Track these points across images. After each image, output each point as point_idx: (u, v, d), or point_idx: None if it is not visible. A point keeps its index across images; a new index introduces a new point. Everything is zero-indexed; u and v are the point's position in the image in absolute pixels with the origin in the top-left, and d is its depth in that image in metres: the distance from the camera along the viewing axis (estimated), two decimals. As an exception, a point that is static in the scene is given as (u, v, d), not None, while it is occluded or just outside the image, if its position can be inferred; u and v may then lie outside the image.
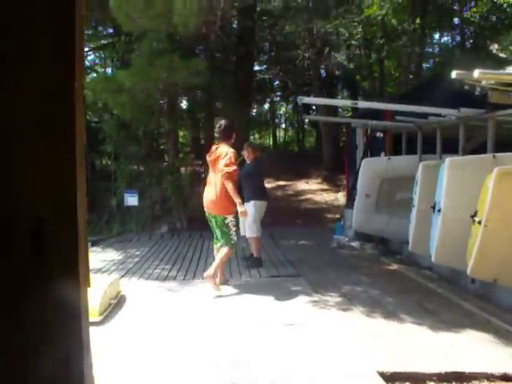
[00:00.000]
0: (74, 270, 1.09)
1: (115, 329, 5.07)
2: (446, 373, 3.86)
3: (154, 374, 3.87)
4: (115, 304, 5.77)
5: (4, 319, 1.05)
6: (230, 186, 6.22)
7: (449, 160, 6.04)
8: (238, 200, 6.32)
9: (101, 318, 5.15)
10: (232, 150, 6.45)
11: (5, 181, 1.06)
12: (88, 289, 1.19)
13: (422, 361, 4.08)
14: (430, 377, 3.84)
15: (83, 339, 1.13)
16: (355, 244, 9.93)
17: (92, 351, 1.17)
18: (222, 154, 6.38)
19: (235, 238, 6.55)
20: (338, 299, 6.11)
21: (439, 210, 5.95)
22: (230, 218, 6.45)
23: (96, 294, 5.13)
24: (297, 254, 9.17)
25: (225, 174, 6.21)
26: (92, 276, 1.45)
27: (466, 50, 18.26)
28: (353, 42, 17.94)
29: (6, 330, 1.03)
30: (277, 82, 27.09)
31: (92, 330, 1.41)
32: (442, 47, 22.19)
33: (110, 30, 18.23)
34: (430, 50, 21.94)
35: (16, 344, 1.02)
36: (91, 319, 4.26)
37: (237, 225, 6.70)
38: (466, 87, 13.11)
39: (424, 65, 20.70)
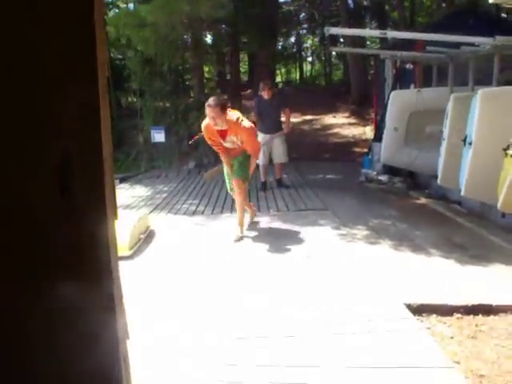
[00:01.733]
0: (101, 204, 1.09)
1: (145, 262, 5.19)
2: (473, 305, 3.87)
3: (182, 307, 3.98)
4: (144, 238, 5.88)
5: (32, 254, 1.05)
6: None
7: (481, 91, 5.86)
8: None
9: (131, 252, 5.27)
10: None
11: (31, 118, 1.04)
12: (116, 222, 1.18)
13: (448, 293, 4.09)
14: (456, 309, 3.86)
15: (113, 271, 1.14)
16: (383, 178, 9.85)
17: (122, 283, 1.18)
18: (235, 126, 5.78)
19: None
20: (366, 232, 6.13)
21: (470, 143, 5.83)
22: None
23: (125, 229, 5.23)
24: (324, 187, 9.15)
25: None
26: (121, 212, 1.45)
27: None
28: (382, -30, 17.23)
29: (33, 264, 1.04)
30: (303, 14, 26.37)
31: (122, 263, 1.42)
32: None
33: (132, -38, 17.79)
34: (464, -25, 20.97)
35: (46, 277, 1.04)
36: (121, 253, 4.37)
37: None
38: (504, 15, 12.55)
39: (457, -9, 19.82)
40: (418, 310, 3.84)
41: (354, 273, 4.64)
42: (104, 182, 1.09)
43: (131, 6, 21.35)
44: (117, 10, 20.76)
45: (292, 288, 4.29)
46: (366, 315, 3.67)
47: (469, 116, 6.03)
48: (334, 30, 11.70)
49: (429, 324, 3.72)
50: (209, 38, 18.67)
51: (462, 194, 6.13)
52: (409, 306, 3.82)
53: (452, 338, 3.52)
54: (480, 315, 3.82)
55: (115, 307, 1.21)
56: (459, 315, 3.83)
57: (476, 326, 3.68)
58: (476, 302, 3.91)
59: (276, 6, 17.66)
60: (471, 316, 3.81)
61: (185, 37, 13.93)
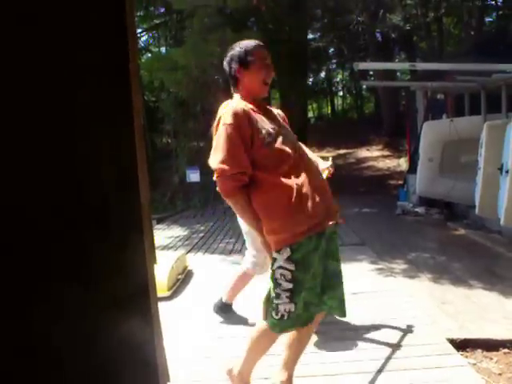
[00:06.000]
0: (139, 246, 1.12)
1: (184, 303, 5.20)
2: (520, 338, 3.76)
3: (221, 347, 3.96)
4: (183, 279, 5.91)
5: (72, 292, 1.08)
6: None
7: (516, 118, 5.80)
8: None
9: (169, 293, 5.29)
10: None
11: (71, 162, 1.09)
12: (155, 265, 1.21)
13: (493, 327, 3.98)
14: (502, 343, 3.75)
15: (152, 314, 1.16)
16: (420, 209, 9.74)
17: (162, 325, 1.20)
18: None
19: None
20: (405, 266, 6.03)
21: (507, 171, 5.74)
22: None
23: (164, 269, 5.27)
24: (360, 222, 9.08)
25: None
26: (159, 252, 1.48)
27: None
28: (408, 2, 17.35)
29: (73, 304, 1.07)
30: (332, 49, 26.64)
31: (161, 304, 1.44)
32: (505, -2, 21.11)
33: (161, 10, 18.34)
34: (493, 2, 20.92)
35: (86, 318, 1.06)
36: (160, 294, 4.40)
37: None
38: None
39: (486, 19, 19.80)
40: (462, 346, 3.74)
41: (392, 308, 4.56)
42: (142, 229, 1.13)
43: (163, 49, 21.98)
44: (149, 55, 21.37)
45: (332, 325, 4.23)
46: (407, 351, 3.59)
47: (504, 144, 5.95)
48: (363, 66, 11.79)
49: (474, 360, 3.61)
50: (239, 78, 18.97)
51: (502, 223, 6.01)
52: (452, 341, 3.72)
53: (500, 374, 3.41)
54: (527, 349, 3.70)
55: (155, 349, 1.23)
56: (506, 350, 3.71)
57: (524, 360, 3.56)
58: (523, 336, 3.79)
59: (305, 43, 17.90)
60: (518, 350, 3.70)
61: (216, 77, 14.21)
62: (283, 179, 2.52)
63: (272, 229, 2.55)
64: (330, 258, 2.82)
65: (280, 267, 2.54)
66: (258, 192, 2.54)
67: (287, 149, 2.57)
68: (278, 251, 2.55)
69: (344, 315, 2.86)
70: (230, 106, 2.55)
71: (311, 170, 2.70)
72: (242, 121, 2.49)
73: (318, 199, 2.60)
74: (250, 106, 2.59)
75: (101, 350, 1.07)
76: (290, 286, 2.54)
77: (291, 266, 2.52)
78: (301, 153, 2.71)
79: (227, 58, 2.71)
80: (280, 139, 2.57)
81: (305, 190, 2.55)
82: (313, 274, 2.62)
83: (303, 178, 2.58)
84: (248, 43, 2.72)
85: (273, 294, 2.61)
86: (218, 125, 2.57)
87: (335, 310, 2.84)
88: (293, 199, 2.51)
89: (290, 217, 2.52)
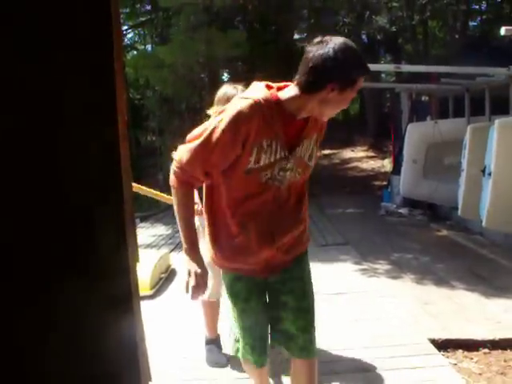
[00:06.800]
0: (122, 245, 1.11)
1: (166, 302, 5.18)
2: (501, 339, 3.79)
3: (203, 346, 3.95)
4: (166, 277, 5.88)
5: (56, 295, 1.08)
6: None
7: (498, 121, 5.85)
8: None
9: (152, 291, 5.27)
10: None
11: (53, 162, 1.08)
12: (137, 264, 1.21)
13: (474, 328, 4.02)
14: (483, 344, 3.78)
15: (134, 312, 1.15)
16: (403, 210, 9.80)
17: (144, 323, 1.19)
18: None
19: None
20: (388, 267, 6.07)
21: (489, 174, 5.80)
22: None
23: (146, 268, 5.24)
24: (344, 222, 9.12)
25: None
26: (142, 251, 1.47)
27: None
28: (394, 4, 17.42)
29: (57, 304, 1.07)
30: (318, 50, 26.72)
31: (144, 303, 1.43)
32: (489, 3, 21.29)
33: (148, 7, 18.26)
34: (477, 6, 21.09)
35: (67, 326, 1.05)
36: (143, 293, 4.37)
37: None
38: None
39: (470, 23, 19.97)
40: (443, 346, 3.77)
41: (376, 308, 4.59)
42: (125, 228, 1.12)
43: (149, 47, 21.87)
44: (135, 52, 21.26)
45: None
46: (390, 351, 3.61)
47: (487, 146, 6.01)
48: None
49: (455, 360, 3.64)
50: (225, 76, 18.97)
51: (484, 224, 6.06)
52: (433, 342, 3.75)
53: (480, 374, 3.44)
54: (508, 350, 3.73)
55: (137, 348, 1.22)
56: (486, 350, 3.75)
57: (505, 361, 3.60)
58: (503, 336, 3.82)
59: (291, 43, 17.92)
60: (499, 351, 3.73)
61: (202, 75, 14.18)
62: (237, 208, 2.14)
63: (212, 246, 2.30)
64: (287, 295, 2.30)
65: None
66: (211, 199, 2.22)
67: (263, 182, 2.08)
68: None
69: (309, 355, 2.32)
70: (241, 107, 1.97)
71: (281, 214, 2.17)
72: (238, 133, 1.96)
73: (257, 248, 2.17)
74: (274, 113, 2.00)
75: (82, 350, 1.06)
76: (230, 311, 2.39)
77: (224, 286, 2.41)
78: (292, 189, 2.18)
79: (329, 55, 1.89)
80: (268, 172, 2.06)
81: (249, 232, 2.14)
82: (243, 310, 2.31)
83: (259, 219, 2.13)
84: (360, 61, 2.00)
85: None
86: (219, 113, 2.07)
87: (293, 348, 2.33)
88: (233, 234, 2.17)
89: (225, 248, 2.25)
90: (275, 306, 2.32)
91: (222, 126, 1.96)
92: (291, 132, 2.06)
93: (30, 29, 1.04)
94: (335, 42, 1.93)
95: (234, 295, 2.32)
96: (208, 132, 2.01)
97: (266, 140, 2.00)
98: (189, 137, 2.16)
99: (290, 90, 2.04)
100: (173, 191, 2.20)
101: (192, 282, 2.14)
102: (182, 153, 2.10)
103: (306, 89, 1.97)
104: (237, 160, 2.03)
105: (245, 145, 1.99)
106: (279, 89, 2.10)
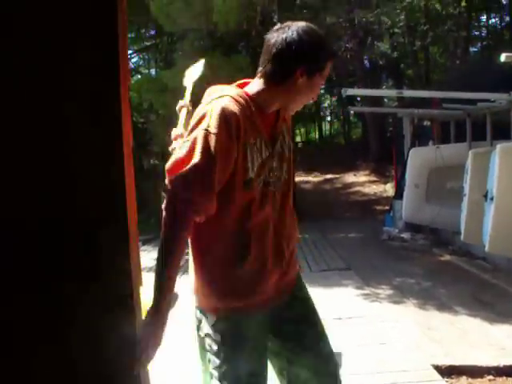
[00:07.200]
0: (127, 269, 1.12)
1: (169, 324, 5.14)
2: (505, 366, 3.75)
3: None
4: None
5: (58, 315, 1.08)
6: None
7: (500, 146, 5.87)
8: None
9: (154, 315, 5.24)
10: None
11: (59, 184, 1.09)
12: (141, 287, 1.22)
13: (477, 354, 3.98)
14: (487, 370, 3.74)
15: (135, 317, 1.17)
16: (406, 235, 9.78)
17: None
18: None
19: None
20: (390, 292, 6.04)
21: (492, 198, 5.80)
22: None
23: (149, 291, 5.22)
24: (347, 246, 9.10)
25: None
26: (144, 274, 1.49)
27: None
28: (396, 30, 17.63)
29: (61, 326, 1.07)
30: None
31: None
32: (489, 29, 21.55)
33: (152, 32, 18.48)
34: (477, 32, 21.34)
35: (71, 333, 1.06)
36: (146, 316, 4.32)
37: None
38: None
39: (471, 49, 20.16)
40: (447, 372, 3.73)
41: (378, 333, 4.55)
42: (129, 251, 1.13)
43: (153, 71, 22.08)
44: (139, 76, 21.45)
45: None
46: (394, 377, 3.58)
47: (489, 171, 6.02)
48: (351, 91, 11.92)
49: (459, 387, 3.61)
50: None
51: (487, 249, 6.04)
52: (437, 368, 3.71)
53: (484, 401, 3.41)
54: (512, 376, 3.70)
55: (140, 373, 1.22)
56: (491, 377, 3.70)
57: (509, 388, 3.56)
58: (508, 363, 3.79)
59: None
60: (504, 377, 3.69)
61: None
62: (242, 227, 1.79)
63: (204, 282, 1.96)
64: (298, 323, 1.98)
65: (207, 335, 1.89)
66: (200, 229, 1.81)
67: (260, 191, 1.79)
68: (204, 312, 1.95)
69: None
70: (223, 103, 1.70)
71: (282, 222, 1.89)
72: (231, 131, 1.67)
73: (272, 267, 1.84)
74: (252, 109, 1.76)
75: (86, 368, 1.06)
76: (220, 363, 1.82)
77: (217, 337, 1.83)
78: (283, 190, 1.91)
79: (293, 38, 1.72)
80: (261, 177, 1.79)
81: (260, 252, 1.81)
82: (250, 353, 1.83)
83: (268, 233, 1.83)
84: (326, 44, 1.86)
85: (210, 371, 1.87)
86: (196, 124, 1.70)
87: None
88: (239, 260, 1.80)
89: (228, 282, 1.84)
90: (289, 339, 1.92)
91: (213, 129, 1.64)
92: (267, 127, 1.83)
93: (38, 60, 1.06)
94: (298, 25, 1.76)
95: (239, 346, 1.81)
96: (200, 145, 1.63)
97: (252, 138, 1.75)
98: (171, 166, 1.68)
99: (255, 84, 1.81)
100: (173, 230, 1.77)
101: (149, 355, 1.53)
102: (181, 185, 1.65)
103: (273, 78, 1.77)
104: (233, 172, 1.71)
105: (238, 146, 1.70)
106: (242, 86, 1.85)
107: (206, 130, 1.64)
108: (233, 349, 1.81)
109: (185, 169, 1.63)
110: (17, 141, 1.04)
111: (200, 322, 1.95)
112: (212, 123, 1.64)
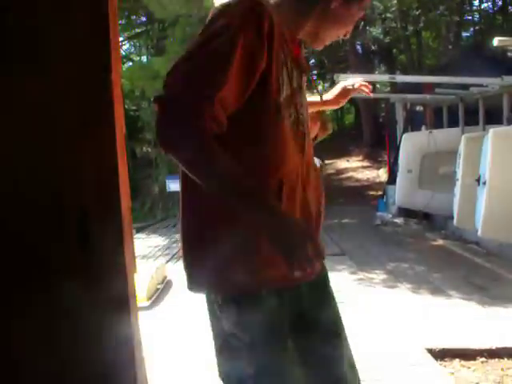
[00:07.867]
0: (120, 257, 1.11)
1: (163, 313, 5.17)
2: (498, 348, 3.79)
3: (200, 357, 3.94)
4: (162, 289, 5.87)
5: (53, 303, 1.08)
6: None
7: (493, 131, 5.89)
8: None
9: (149, 302, 5.25)
10: None
11: (51, 170, 1.09)
12: (135, 275, 1.21)
13: (471, 337, 4.01)
14: (480, 353, 3.78)
15: (132, 324, 1.16)
16: (399, 220, 9.82)
17: (141, 335, 1.20)
18: None
19: None
20: (384, 276, 6.07)
21: (484, 183, 5.82)
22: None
23: (143, 279, 5.24)
24: (340, 232, 9.12)
25: None
26: (138, 262, 1.48)
27: (509, 15, 17.65)
28: (388, 15, 17.54)
29: (54, 314, 1.07)
30: (312, 61, 26.83)
31: (141, 314, 1.44)
32: (482, 14, 21.49)
33: (143, 19, 18.34)
34: (470, 17, 21.28)
35: (65, 330, 1.06)
36: (140, 304, 4.34)
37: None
38: (510, 54, 12.70)
39: (463, 34, 20.14)
40: (440, 355, 3.76)
41: (372, 318, 4.58)
42: (123, 238, 1.12)
43: (144, 58, 21.95)
44: (131, 63, 21.31)
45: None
46: (387, 361, 3.61)
47: (481, 155, 6.04)
48: (344, 77, 11.87)
49: (452, 369, 3.63)
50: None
51: (479, 234, 6.08)
52: (430, 351, 3.74)
53: (478, 383, 3.44)
54: (505, 359, 3.73)
55: (134, 359, 1.22)
56: (483, 359, 3.74)
57: (502, 370, 3.59)
58: (500, 345, 3.82)
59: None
60: (496, 359, 3.72)
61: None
62: (270, 179, 1.34)
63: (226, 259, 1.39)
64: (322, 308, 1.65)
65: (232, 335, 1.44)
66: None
67: (290, 127, 1.35)
68: (225, 300, 1.46)
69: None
70: None
71: (309, 178, 1.49)
72: (262, 29, 1.22)
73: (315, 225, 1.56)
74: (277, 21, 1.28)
75: (79, 361, 1.06)
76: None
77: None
78: (309, 140, 1.51)
79: None
80: (292, 110, 1.37)
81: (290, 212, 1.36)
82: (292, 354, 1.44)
83: (295, 191, 1.41)
84: None
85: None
86: (209, 24, 1.26)
87: None
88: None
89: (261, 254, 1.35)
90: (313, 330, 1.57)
91: (236, 19, 1.20)
92: (295, 54, 1.42)
93: (27, 41, 1.05)
94: None
95: (275, 332, 1.42)
96: (215, 36, 1.21)
97: (283, 55, 1.32)
98: (171, 70, 1.29)
99: (285, 1, 1.42)
100: (193, 149, 1.20)
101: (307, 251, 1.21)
102: (184, 70, 1.25)
103: (305, 4, 1.41)
104: (261, 85, 1.26)
105: (269, 54, 1.25)
106: None
107: (226, 18, 1.22)
108: (267, 341, 1.42)
109: (187, 64, 1.26)
110: (3, 127, 1.03)
111: (221, 311, 1.47)
112: (236, 12, 1.22)
